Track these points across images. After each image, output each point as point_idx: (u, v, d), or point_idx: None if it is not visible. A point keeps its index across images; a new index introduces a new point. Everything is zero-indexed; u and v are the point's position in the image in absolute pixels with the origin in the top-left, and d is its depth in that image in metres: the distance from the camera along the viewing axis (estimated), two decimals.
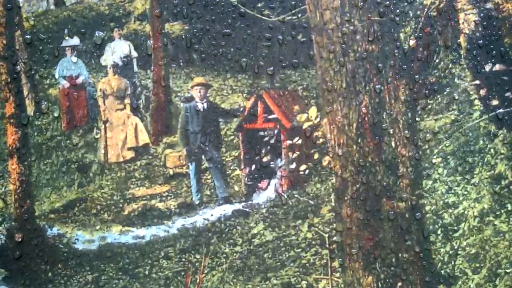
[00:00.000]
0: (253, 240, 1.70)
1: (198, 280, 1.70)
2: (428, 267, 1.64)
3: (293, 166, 1.64)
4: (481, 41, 1.53)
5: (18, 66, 1.63)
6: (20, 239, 1.71)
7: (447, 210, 1.66)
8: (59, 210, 1.69)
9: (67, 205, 1.70)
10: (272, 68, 1.56)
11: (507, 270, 1.63)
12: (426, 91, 1.60)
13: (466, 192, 1.63)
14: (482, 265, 1.65)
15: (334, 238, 1.68)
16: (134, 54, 1.64)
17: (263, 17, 1.55)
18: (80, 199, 1.70)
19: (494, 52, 1.53)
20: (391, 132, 1.59)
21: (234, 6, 1.54)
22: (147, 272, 1.74)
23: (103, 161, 1.68)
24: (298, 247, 1.70)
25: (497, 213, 1.62)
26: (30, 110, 1.67)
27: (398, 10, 1.57)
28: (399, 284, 1.62)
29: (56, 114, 1.67)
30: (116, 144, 1.64)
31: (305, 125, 1.60)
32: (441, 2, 1.57)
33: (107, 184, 1.68)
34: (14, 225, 1.73)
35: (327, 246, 1.69)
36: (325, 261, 1.69)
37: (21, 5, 1.60)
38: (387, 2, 1.58)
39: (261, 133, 1.63)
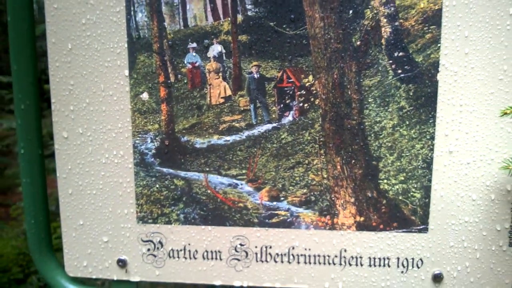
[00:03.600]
0: (282, 140, 2.37)
1: (256, 159, 2.39)
2: (367, 152, 2.34)
3: (301, 104, 2.26)
4: (393, 41, 2.17)
5: (165, 57, 2.31)
6: (167, 143, 2.40)
7: (376, 124, 2.33)
8: (187, 128, 2.37)
9: (191, 125, 2.36)
10: (290, 57, 2.20)
11: (407, 154, 2.33)
12: (365, 67, 2.25)
13: (385, 115, 2.30)
14: (393, 151, 2.35)
15: (321, 139, 2.34)
16: (223, 51, 2.24)
17: (286, 31, 2.18)
18: (197, 123, 2.36)
19: (399, 46, 2.16)
20: (348, 87, 2.26)
21: (271, 26, 2.18)
22: (230, 157, 2.43)
23: (209, 103, 2.31)
24: (303, 143, 2.39)
25: (402, 125, 2.28)
26: (172, 79, 2.34)
27: (351, 27, 2.25)
28: (353, 161, 2.38)
29: (185, 81, 2.32)
30: (216, 95, 2.31)
31: (307, 84, 2.22)
32: (373, 22, 2.23)
33: (211, 115, 2.34)
34: (164, 136, 2.36)
35: (318, 143, 2.35)
36: (316, 150, 2.35)
37: (166, 26, 2.27)
38: (346, 24, 2.27)
39: (285, 89, 2.22)
